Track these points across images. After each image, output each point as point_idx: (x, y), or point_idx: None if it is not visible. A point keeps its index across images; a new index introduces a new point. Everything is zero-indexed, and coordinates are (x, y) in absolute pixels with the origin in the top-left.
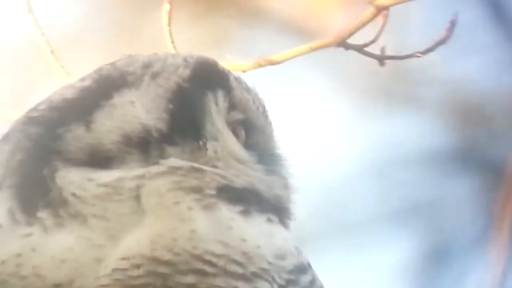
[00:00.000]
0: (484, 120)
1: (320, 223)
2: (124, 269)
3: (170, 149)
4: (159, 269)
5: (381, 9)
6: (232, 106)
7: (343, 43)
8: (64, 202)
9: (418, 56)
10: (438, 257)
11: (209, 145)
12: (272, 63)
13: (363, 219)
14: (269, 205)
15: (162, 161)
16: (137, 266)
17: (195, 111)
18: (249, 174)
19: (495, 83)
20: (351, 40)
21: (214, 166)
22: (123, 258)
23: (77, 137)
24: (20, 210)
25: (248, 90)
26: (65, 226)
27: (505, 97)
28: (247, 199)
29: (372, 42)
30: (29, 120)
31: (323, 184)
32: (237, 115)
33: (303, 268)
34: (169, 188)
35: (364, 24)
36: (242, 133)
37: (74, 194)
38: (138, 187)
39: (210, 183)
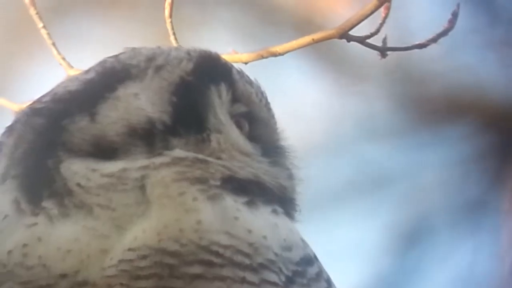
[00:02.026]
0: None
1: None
2: (131, 260)
3: (174, 141)
4: (166, 260)
5: (383, 1)
6: (235, 99)
7: (345, 35)
8: (69, 192)
9: (420, 48)
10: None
11: (213, 137)
12: (274, 54)
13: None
14: (274, 196)
15: (166, 152)
16: (144, 257)
17: (198, 104)
18: (254, 166)
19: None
20: (353, 32)
21: (218, 158)
22: (130, 249)
23: (81, 128)
24: (25, 200)
25: (250, 83)
26: (70, 216)
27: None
28: (252, 190)
29: (374, 34)
30: (33, 112)
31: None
32: (240, 108)
33: (309, 260)
34: (174, 179)
35: (366, 16)
36: (246, 126)
37: (78, 184)
38: (143, 178)
39: (214, 174)
